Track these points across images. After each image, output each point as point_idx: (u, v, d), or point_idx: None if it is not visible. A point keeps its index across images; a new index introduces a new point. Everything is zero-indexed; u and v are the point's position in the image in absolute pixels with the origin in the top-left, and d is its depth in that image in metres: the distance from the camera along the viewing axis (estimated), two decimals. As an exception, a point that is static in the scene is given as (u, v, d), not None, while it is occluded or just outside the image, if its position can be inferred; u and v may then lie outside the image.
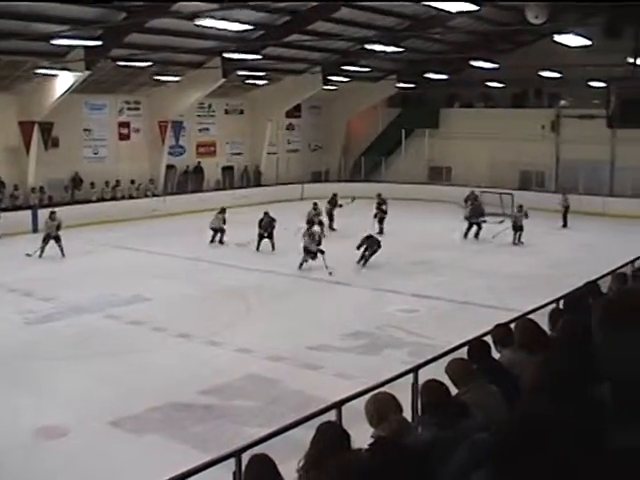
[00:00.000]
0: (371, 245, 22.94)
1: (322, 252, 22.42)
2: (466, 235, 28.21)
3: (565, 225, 31.07)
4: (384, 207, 29.34)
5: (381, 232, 28.41)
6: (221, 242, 26.68)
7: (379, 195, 29.89)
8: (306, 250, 22.72)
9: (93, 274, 21.87)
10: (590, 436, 3.74)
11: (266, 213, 25.95)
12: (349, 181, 41.34)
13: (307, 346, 15.26)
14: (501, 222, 28.67)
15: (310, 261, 22.64)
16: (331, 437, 5.09)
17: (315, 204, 28.48)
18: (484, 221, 28.27)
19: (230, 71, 31.94)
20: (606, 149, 36.64)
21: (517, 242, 27.14)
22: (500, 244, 26.89)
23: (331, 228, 29.83)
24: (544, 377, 3.98)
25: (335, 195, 30.48)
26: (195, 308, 18.40)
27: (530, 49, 36.37)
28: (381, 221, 29.28)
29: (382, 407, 5.27)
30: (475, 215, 28.44)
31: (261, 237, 25.56)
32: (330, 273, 21.57)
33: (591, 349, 4.36)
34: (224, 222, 26.80)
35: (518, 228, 27.21)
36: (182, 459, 7.03)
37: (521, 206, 27.84)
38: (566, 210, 31.46)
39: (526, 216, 27.26)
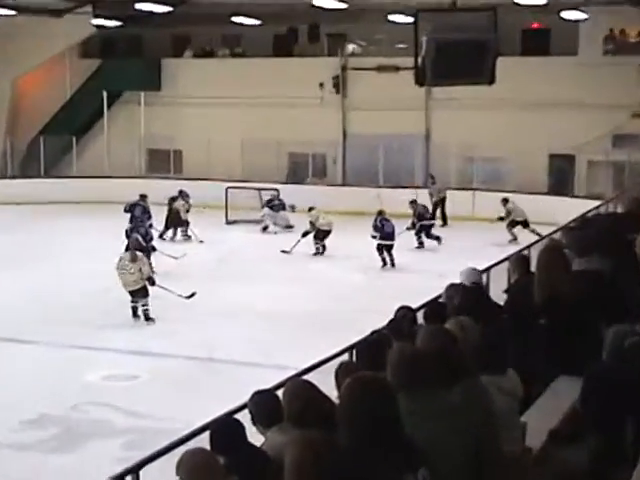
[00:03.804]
0: None
1: None
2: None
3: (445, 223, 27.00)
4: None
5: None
6: None
7: None
8: None
9: None
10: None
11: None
12: (21, 177, 32.96)
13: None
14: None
15: None
16: None
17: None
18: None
19: None
20: (418, 117, 30.37)
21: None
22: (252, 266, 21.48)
23: None
24: (319, 470, 3.48)
25: None
26: None
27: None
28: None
29: None
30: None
31: None
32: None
33: (398, 421, 4.22)
34: None
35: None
36: None
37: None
38: (441, 202, 27.56)
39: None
